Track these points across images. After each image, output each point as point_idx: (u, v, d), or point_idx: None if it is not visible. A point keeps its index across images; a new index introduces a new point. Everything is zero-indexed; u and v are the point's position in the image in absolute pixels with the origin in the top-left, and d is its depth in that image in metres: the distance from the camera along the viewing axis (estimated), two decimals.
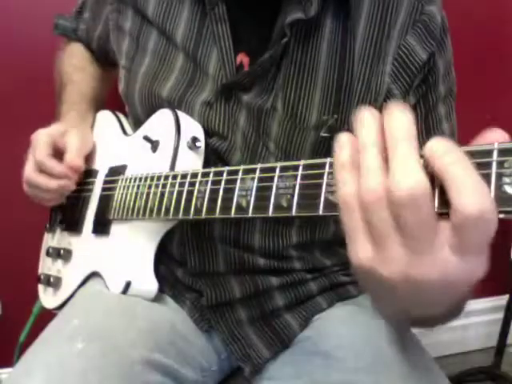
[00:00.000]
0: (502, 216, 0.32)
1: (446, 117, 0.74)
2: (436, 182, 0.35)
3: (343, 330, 0.71)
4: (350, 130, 0.68)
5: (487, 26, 1.39)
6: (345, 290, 0.79)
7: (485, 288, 1.61)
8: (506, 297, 1.46)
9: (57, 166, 0.77)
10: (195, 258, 0.74)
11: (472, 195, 0.32)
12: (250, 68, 0.69)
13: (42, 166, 0.76)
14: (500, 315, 1.49)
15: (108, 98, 1.00)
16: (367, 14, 0.68)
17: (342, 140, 0.39)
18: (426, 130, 0.72)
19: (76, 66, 0.96)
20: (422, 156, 0.35)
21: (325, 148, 0.69)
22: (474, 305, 1.59)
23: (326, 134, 0.68)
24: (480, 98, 1.37)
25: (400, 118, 0.36)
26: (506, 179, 0.32)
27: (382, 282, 0.38)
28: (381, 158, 0.36)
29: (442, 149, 0.34)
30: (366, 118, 0.38)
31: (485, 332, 1.61)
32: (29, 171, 0.78)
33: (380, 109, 0.38)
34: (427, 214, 0.34)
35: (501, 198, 0.32)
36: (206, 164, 0.69)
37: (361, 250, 0.38)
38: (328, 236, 0.77)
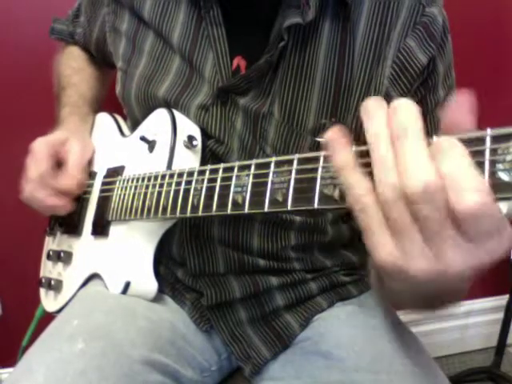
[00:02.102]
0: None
1: None
2: None
3: (343, 329, 0.71)
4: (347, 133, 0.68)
5: (487, 26, 1.39)
6: (345, 290, 0.79)
7: (485, 288, 1.61)
8: (506, 297, 1.46)
9: (59, 181, 0.76)
10: (195, 259, 0.74)
11: (469, 194, 0.32)
12: (246, 72, 0.69)
13: (44, 180, 0.75)
14: (500, 315, 1.48)
15: (105, 100, 1.00)
16: (367, 16, 0.67)
17: (338, 142, 0.39)
18: None
19: (75, 68, 0.96)
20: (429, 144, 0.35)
21: None
22: (474, 305, 1.59)
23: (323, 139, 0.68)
24: (479, 97, 1.37)
25: (407, 111, 0.36)
26: (500, 166, 0.32)
27: (408, 277, 0.38)
28: (392, 152, 0.36)
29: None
30: (374, 108, 0.38)
31: (485, 332, 1.61)
32: (29, 186, 0.76)
33: None
34: (443, 207, 0.34)
35: (495, 185, 0.32)
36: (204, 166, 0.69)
37: (382, 247, 0.38)
38: (327, 238, 0.77)
